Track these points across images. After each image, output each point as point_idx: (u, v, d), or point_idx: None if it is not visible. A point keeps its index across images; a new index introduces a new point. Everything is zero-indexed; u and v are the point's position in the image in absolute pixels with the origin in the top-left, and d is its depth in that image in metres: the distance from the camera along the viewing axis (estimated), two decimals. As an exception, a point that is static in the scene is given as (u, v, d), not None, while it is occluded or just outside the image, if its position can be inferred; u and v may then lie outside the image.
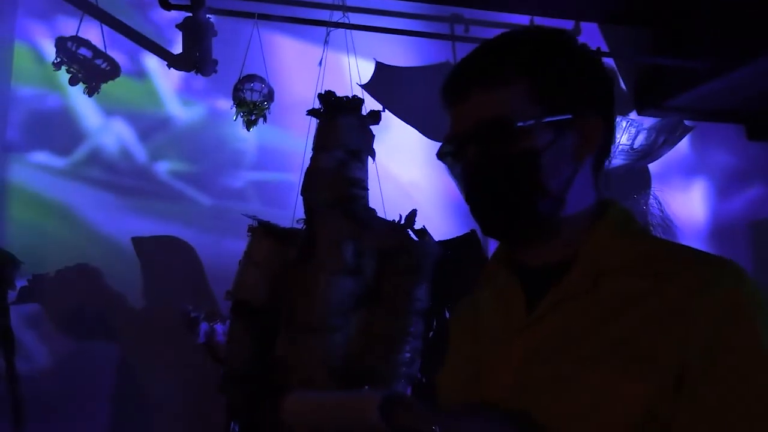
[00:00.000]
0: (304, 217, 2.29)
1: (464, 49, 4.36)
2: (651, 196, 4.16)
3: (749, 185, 4.77)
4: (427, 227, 2.40)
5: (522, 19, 4.48)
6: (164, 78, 3.97)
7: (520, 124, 0.84)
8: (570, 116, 0.85)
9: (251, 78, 3.27)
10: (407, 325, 2.12)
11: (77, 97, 3.82)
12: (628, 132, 3.39)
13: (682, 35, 4.36)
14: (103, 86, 3.66)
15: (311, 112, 2.32)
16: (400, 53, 4.24)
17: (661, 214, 3.99)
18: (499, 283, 0.94)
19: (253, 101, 3.23)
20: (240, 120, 3.26)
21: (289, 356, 2.13)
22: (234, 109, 3.29)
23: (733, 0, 4.10)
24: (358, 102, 2.29)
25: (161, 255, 3.70)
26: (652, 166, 4.33)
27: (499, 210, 0.86)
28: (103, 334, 3.51)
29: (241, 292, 2.30)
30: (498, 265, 0.96)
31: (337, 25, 3.78)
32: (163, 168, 3.87)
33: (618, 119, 3.37)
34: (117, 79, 3.70)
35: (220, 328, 2.60)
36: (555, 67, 0.87)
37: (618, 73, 4.56)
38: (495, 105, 0.85)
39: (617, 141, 3.37)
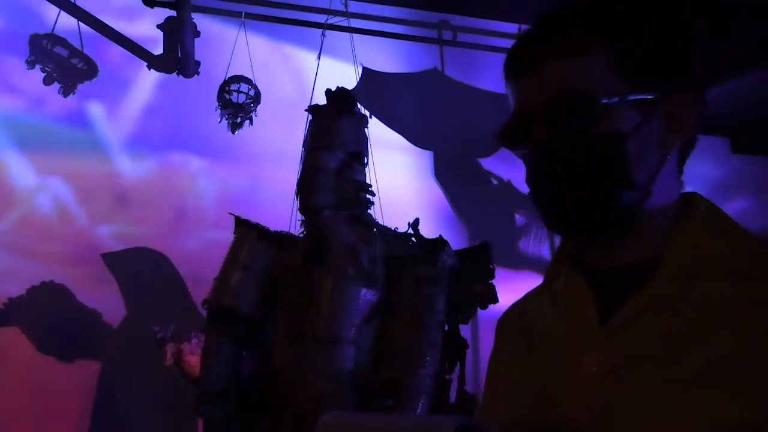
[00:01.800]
0: (303, 219, 2.14)
1: (452, 56, 4.30)
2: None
3: (733, 198, 4.77)
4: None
5: (510, 27, 4.44)
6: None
7: (604, 101, 0.71)
8: (659, 94, 0.72)
9: (238, 79, 3.15)
10: (430, 336, 2.02)
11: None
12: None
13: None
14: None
15: (313, 109, 2.19)
16: (388, 59, 4.16)
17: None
18: (563, 286, 0.81)
19: (239, 103, 3.11)
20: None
21: (296, 370, 1.96)
22: (218, 111, 3.17)
23: (719, 14, 4.11)
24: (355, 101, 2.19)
25: (134, 267, 3.55)
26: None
27: (574, 201, 0.73)
28: (82, 353, 3.34)
29: (225, 298, 2.09)
30: (562, 266, 0.82)
31: (327, 26, 3.68)
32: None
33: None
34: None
35: (188, 348, 2.46)
36: (644, 34, 0.74)
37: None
38: (573, 77, 0.72)
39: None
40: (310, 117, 2.20)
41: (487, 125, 3.56)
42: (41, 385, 3.24)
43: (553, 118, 0.73)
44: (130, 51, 3.75)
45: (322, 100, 2.24)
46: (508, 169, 4.32)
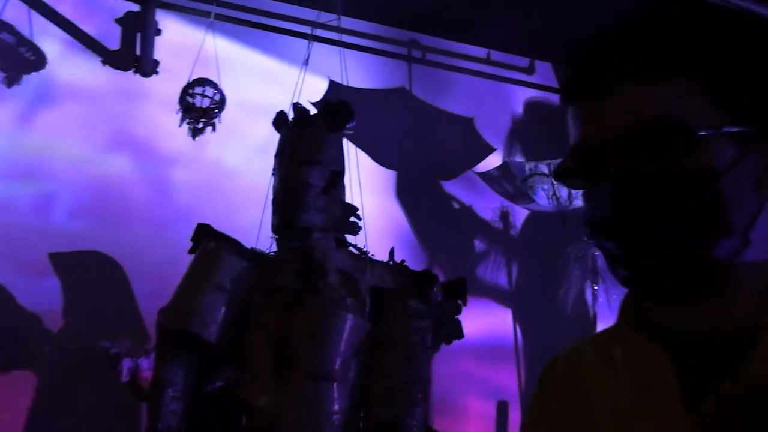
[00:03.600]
0: (279, 238, 1.95)
1: (420, 76, 4.23)
2: (589, 244, 4.12)
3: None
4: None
5: (479, 51, 4.42)
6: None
7: (701, 132, 0.59)
8: (759, 126, 0.61)
9: (202, 82, 2.97)
10: (424, 372, 1.91)
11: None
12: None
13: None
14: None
15: (302, 119, 2.02)
16: (355, 74, 4.06)
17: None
18: (629, 353, 0.67)
19: (203, 107, 2.93)
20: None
21: (282, 408, 1.76)
22: (180, 115, 2.98)
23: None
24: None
25: (82, 272, 3.31)
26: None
27: (664, 250, 0.60)
28: (19, 362, 3.06)
29: (190, 320, 1.81)
30: (630, 329, 0.68)
31: (313, 37, 3.55)
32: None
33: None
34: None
35: (144, 363, 2.24)
36: (745, 55, 0.62)
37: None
38: (660, 104, 0.61)
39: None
40: (289, 127, 2.04)
41: (452, 147, 3.51)
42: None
43: (634, 151, 0.61)
44: (82, 43, 3.52)
45: (292, 111, 2.10)
46: (470, 193, 4.26)
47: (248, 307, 1.87)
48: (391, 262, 2.05)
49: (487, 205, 4.22)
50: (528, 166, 3.38)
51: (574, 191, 3.56)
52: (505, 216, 4.21)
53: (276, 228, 1.95)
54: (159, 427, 1.72)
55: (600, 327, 3.99)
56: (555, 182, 3.26)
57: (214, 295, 1.85)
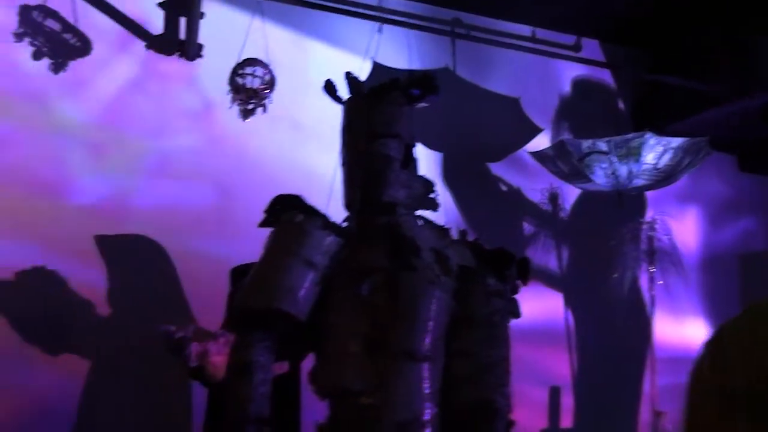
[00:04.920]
0: (354, 214, 1.85)
1: (464, 56, 4.13)
2: (658, 222, 3.99)
3: (740, 217, 4.69)
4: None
5: (524, 30, 4.30)
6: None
7: None
8: None
9: (253, 62, 2.91)
10: (506, 353, 1.85)
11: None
12: (655, 150, 3.18)
13: (683, 60, 4.26)
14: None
15: (382, 88, 1.93)
16: (398, 54, 3.98)
17: (668, 241, 3.83)
18: None
19: (253, 88, 2.87)
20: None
21: (379, 391, 1.69)
22: (230, 96, 2.93)
23: (733, 33, 4.04)
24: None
25: (127, 256, 3.29)
26: (649, 192, 4.18)
27: None
28: (65, 347, 3.06)
29: (283, 300, 1.69)
30: None
31: (381, 19, 3.47)
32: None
33: (647, 135, 3.18)
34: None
35: (213, 347, 2.18)
36: None
37: (617, 91, 4.44)
38: None
39: (642, 159, 3.15)
40: (359, 98, 1.94)
41: (498, 128, 3.41)
42: (22, 383, 2.95)
43: None
44: (127, 29, 3.50)
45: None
46: (518, 175, 4.16)
47: (332, 284, 1.78)
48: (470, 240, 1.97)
49: (535, 187, 4.12)
50: (585, 144, 3.27)
51: (635, 169, 3.44)
52: (554, 198, 4.10)
53: (356, 204, 1.85)
54: (251, 414, 1.62)
55: (657, 311, 3.88)
56: (614, 160, 3.13)
57: (304, 272, 1.74)
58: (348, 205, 1.89)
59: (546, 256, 4.08)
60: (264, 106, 2.92)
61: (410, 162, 1.89)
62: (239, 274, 2.85)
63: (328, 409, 1.71)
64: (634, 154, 3.12)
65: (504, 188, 4.16)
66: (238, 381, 1.65)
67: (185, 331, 2.13)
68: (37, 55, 3.31)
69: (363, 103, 1.92)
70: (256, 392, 1.61)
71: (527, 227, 4.14)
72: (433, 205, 1.92)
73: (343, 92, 2.01)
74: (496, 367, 1.83)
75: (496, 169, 4.16)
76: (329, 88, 1.96)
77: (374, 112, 1.88)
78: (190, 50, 3.41)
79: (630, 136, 3.23)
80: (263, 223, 1.88)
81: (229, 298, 2.99)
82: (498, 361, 1.84)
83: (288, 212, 1.81)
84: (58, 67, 3.35)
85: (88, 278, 3.17)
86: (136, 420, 3.12)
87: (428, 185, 1.94)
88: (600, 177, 3.27)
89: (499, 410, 1.80)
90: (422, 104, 2.08)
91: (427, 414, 1.71)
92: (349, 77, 1.95)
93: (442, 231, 1.94)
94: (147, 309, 3.13)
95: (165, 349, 1.94)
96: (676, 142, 3.25)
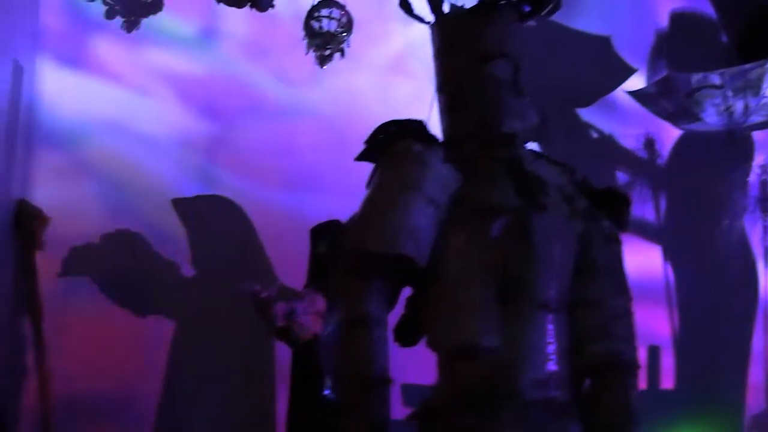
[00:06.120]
0: (483, 148, 1.63)
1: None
2: (757, 168, 3.64)
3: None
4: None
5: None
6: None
7: None
8: None
9: (328, 3, 2.74)
10: (628, 303, 1.67)
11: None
12: (775, 82, 2.84)
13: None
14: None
15: (486, 7, 1.71)
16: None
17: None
18: None
19: (330, 31, 2.71)
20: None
21: (512, 346, 1.48)
22: (306, 42, 2.78)
23: None
24: None
25: (207, 217, 3.26)
26: (757, 134, 3.81)
27: None
28: (150, 308, 3.08)
29: (406, 244, 1.44)
30: None
31: None
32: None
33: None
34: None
35: (300, 307, 2.09)
36: None
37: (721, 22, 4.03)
38: None
39: (762, 91, 2.82)
40: (460, 15, 1.74)
41: (588, 70, 3.07)
42: (114, 339, 2.99)
43: None
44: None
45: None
46: (610, 120, 3.87)
47: (452, 224, 1.58)
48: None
49: (630, 133, 3.83)
50: (695, 78, 2.95)
51: (752, 104, 3.10)
52: (650, 144, 3.79)
53: (470, 135, 1.65)
54: (375, 375, 1.45)
55: (770, 264, 3.56)
56: (729, 95, 2.81)
57: (426, 211, 1.49)
58: (451, 136, 1.68)
59: (642, 206, 3.80)
60: (342, 50, 2.76)
61: (521, 88, 1.68)
62: (320, 233, 2.73)
63: (443, 369, 1.54)
64: (754, 87, 2.79)
65: (595, 135, 3.89)
66: (352, 338, 1.44)
67: (270, 290, 2.04)
68: (110, 14, 3.29)
69: (468, 20, 1.71)
70: (375, 350, 1.42)
71: (621, 176, 3.87)
72: (546, 139, 1.71)
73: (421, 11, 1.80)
74: (622, 318, 1.64)
75: (586, 114, 3.89)
76: (404, 5, 1.75)
77: (485, 30, 1.67)
78: (263, 0, 3.28)
79: (748, 66, 2.89)
80: (362, 156, 1.65)
81: (311, 258, 2.90)
82: (623, 312, 1.64)
83: (403, 140, 1.60)
84: (131, 26, 3.32)
85: (171, 239, 3.16)
86: (219, 379, 3.12)
87: (543, 116, 1.73)
88: (711, 115, 2.96)
89: (630, 363, 1.62)
90: (531, 23, 1.85)
91: (564, 369, 1.54)
92: None
93: (564, 167, 1.73)
94: (228, 270, 3.11)
95: (253, 308, 1.84)
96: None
